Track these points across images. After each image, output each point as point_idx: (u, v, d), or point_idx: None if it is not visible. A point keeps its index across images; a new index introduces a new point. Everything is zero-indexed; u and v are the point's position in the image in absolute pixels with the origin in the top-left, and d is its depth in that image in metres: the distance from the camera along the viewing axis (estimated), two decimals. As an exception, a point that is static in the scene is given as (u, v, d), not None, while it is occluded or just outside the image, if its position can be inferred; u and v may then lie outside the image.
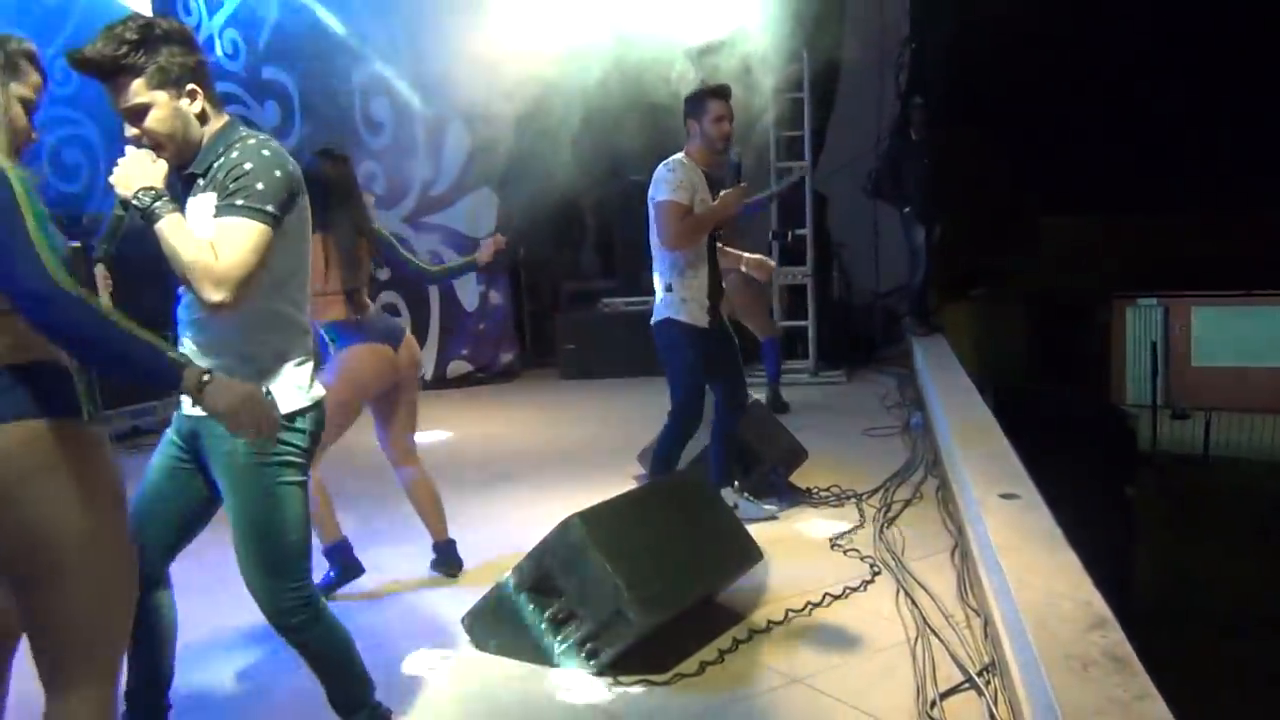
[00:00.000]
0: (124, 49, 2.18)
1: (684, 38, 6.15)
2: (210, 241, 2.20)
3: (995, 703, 2.79)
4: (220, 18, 8.55)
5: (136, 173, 2.22)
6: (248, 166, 2.24)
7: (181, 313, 2.41)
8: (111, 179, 2.23)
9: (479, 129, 8.38)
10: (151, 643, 2.53)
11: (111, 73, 2.20)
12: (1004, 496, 3.79)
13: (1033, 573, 3.00)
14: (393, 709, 2.69)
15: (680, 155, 4.41)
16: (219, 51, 8.48)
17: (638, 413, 6.65)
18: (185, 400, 2.34)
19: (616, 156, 8.20)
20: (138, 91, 2.21)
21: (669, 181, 4.30)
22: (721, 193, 4.33)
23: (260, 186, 2.22)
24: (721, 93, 4.43)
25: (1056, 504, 3.68)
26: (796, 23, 7.82)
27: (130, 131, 2.25)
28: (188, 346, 2.38)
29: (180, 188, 2.35)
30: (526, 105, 6.41)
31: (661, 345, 4.42)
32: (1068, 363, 8.83)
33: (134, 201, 2.20)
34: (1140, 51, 8.43)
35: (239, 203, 2.21)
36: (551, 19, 6.41)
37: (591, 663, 3.11)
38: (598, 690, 3.05)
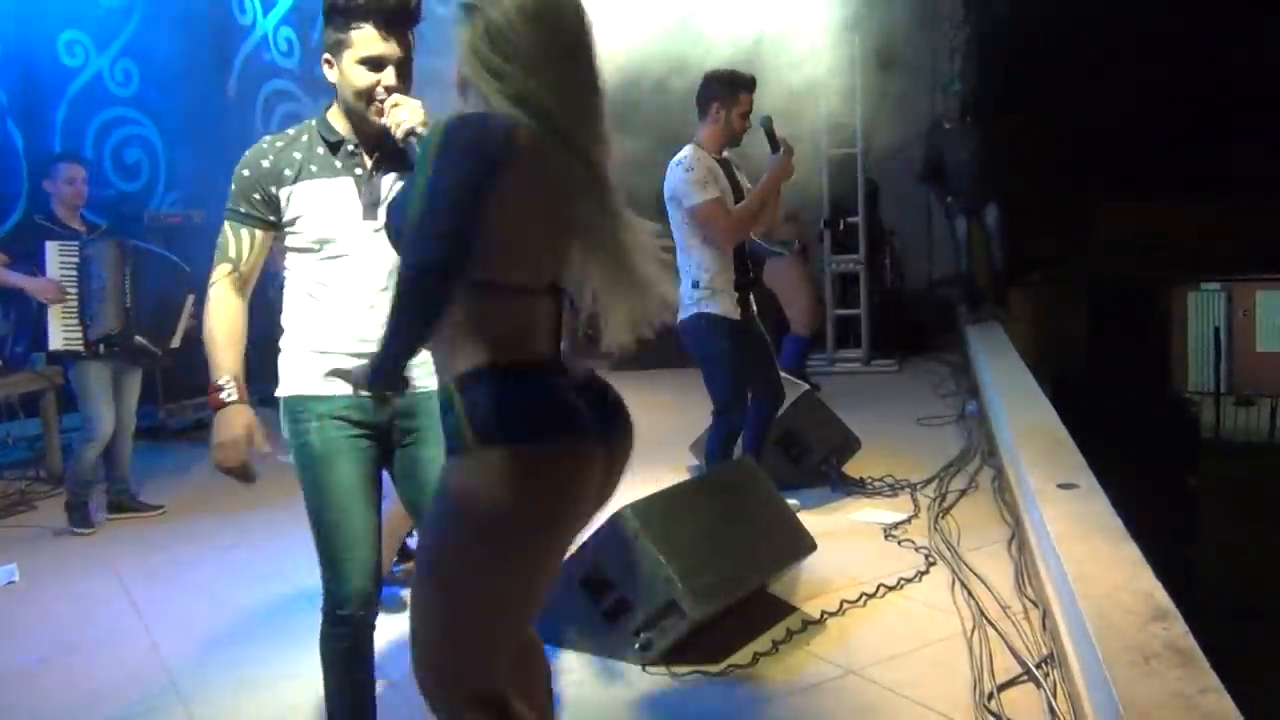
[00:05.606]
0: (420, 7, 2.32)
1: (727, 27, 6.07)
2: None
3: (1054, 695, 2.76)
4: (274, 16, 8.66)
5: (417, 115, 2.25)
6: None
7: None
8: (402, 114, 2.24)
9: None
10: None
11: (412, 23, 2.30)
12: (1062, 486, 3.73)
13: (1092, 564, 2.95)
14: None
15: (689, 147, 4.17)
16: (274, 50, 8.60)
17: (689, 403, 6.61)
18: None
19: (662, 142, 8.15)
20: (411, 46, 2.30)
21: (692, 182, 4.06)
22: (768, 161, 4.10)
23: None
24: (753, 85, 4.25)
25: (1116, 493, 3.61)
26: (846, 5, 7.70)
27: (389, 80, 2.27)
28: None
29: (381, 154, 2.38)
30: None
31: (692, 342, 4.26)
32: (1128, 349, 8.66)
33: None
34: (1198, 32, 8.23)
35: None
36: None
37: (645, 654, 3.12)
38: (651, 681, 3.07)
